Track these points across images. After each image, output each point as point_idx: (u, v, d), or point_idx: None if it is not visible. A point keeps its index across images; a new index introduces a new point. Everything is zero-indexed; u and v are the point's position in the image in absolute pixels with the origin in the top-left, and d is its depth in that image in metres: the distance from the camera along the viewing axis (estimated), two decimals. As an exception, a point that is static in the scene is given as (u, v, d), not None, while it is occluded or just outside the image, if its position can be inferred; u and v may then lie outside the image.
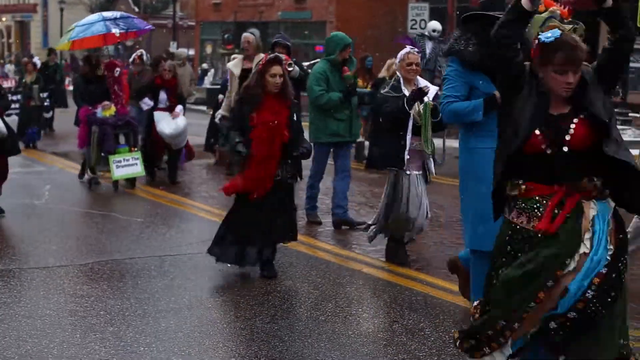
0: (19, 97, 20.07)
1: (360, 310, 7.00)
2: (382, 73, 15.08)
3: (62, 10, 54.79)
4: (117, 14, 13.92)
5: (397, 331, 6.47)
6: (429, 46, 15.42)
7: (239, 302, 7.17)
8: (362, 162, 15.41)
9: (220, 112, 12.12)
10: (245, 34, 11.76)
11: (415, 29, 26.88)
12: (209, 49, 44.79)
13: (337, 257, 8.84)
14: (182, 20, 52.66)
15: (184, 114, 14.10)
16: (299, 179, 8.13)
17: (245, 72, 10.49)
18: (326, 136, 10.26)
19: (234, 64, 11.64)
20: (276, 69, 7.67)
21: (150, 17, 57.54)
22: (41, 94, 20.05)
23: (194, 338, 6.26)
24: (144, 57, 17.37)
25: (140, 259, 8.67)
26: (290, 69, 9.95)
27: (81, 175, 13.85)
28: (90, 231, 10.04)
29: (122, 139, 13.07)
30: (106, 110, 12.97)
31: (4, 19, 70.82)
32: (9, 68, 41.96)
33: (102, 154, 12.95)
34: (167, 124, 13.44)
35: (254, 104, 7.67)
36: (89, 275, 8.01)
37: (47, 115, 21.36)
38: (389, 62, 14.71)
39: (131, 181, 13.19)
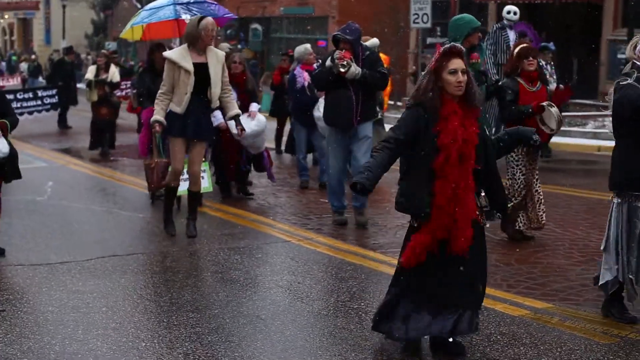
0: (30, 94, 20.41)
1: (362, 304, 6.99)
2: None
3: (64, 7, 54.85)
4: None
5: (399, 325, 6.45)
6: (511, 35, 14.53)
7: (241, 298, 7.16)
8: None
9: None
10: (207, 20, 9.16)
11: (418, 23, 26.83)
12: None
13: (339, 251, 8.83)
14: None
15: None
16: (497, 216, 6.36)
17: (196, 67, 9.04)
18: None
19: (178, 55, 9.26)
20: (456, 64, 5.59)
21: (152, 14, 57.61)
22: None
23: (196, 334, 6.25)
24: None
25: (142, 255, 8.67)
26: (342, 69, 9.40)
27: (152, 196, 11.64)
28: (92, 227, 10.04)
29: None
30: None
31: (6, 16, 70.92)
32: (24, 67, 41.71)
33: None
34: (245, 122, 10.70)
35: (432, 114, 5.58)
36: (91, 271, 8.01)
37: (44, 114, 21.43)
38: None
39: (178, 198, 10.89)
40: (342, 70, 9.35)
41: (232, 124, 10.07)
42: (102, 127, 17.21)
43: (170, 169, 9.43)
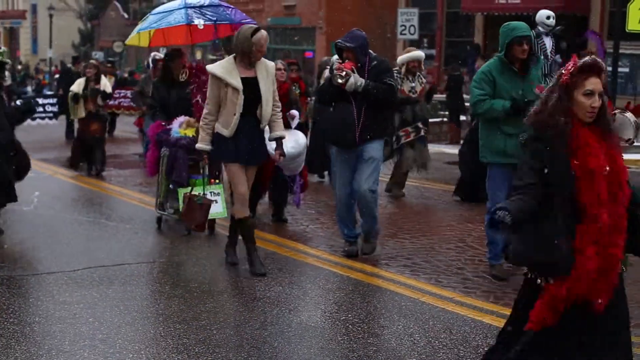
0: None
1: (349, 316, 6.99)
2: None
3: (51, 16, 54.85)
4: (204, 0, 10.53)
5: (387, 337, 6.47)
6: (548, 43, 13.53)
7: (229, 309, 7.16)
8: None
9: None
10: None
11: (405, 34, 26.94)
12: (198, 55, 44.73)
13: (327, 262, 8.82)
14: (172, 26, 52.56)
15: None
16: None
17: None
18: (491, 154, 7.96)
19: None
20: (594, 84, 4.57)
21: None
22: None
23: (183, 345, 6.24)
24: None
25: (129, 265, 8.64)
26: (340, 81, 8.41)
27: (159, 212, 10.53)
28: (79, 238, 10.01)
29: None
30: (186, 129, 10.03)
31: (-7, 25, 70.81)
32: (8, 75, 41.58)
33: (171, 186, 10.16)
34: (285, 141, 8.88)
35: (560, 145, 4.53)
36: (77, 282, 7.98)
37: (47, 122, 21.29)
38: None
39: (209, 223, 9.79)
40: (340, 81, 8.41)
41: (272, 145, 8.71)
42: (92, 144, 15.46)
43: (235, 197, 8.44)
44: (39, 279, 8.07)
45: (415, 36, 26.89)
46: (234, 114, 8.03)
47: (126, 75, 26.46)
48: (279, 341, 6.35)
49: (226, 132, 8.09)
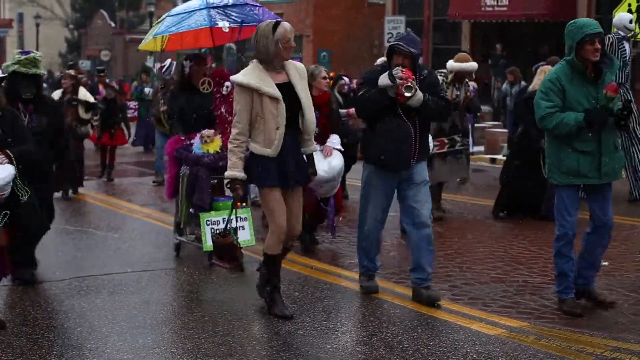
0: None
1: (338, 324, 6.99)
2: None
3: (37, 25, 54.81)
4: None
5: (376, 345, 6.47)
6: (627, 48, 12.63)
7: (217, 318, 7.14)
8: None
9: None
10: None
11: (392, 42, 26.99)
12: (186, 64, 44.67)
13: (315, 270, 8.82)
14: (159, 34, 52.46)
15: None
16: None
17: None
18: (561, 175, 7.09)
19: None
20: None
21: (127, 32, 57.61)
22: None
23: (171, 354, 6.23)
24: (172, 69, 13.70)
25: (117, 274, 8.62)
26: (408, 94, 7.13)
27: (178, 238, 9.51)
28: (67, 247, 9.99)
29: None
30: (209, 144, 8.94)
31: (-21, 34, 70.59)
32: None
33: (191, 210, 9.01)
34: (317, 161, 7.95)
35: None
36: (65, 291, 7.96)
37: None
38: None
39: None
40: (407, 94, 7.13)
41: None
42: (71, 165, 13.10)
43: (271, 230, 7.07)
44: (26, 288, 8.03)
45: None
46: (277, 128, 6.80)
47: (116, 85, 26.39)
48: (267, 349, 6.35)
49: (269, 151, 6.83)
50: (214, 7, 9.19)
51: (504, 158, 19.93)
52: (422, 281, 7.58)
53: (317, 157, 7.67)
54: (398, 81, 7.12)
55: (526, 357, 6.14)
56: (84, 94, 14.23)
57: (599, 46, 6.80)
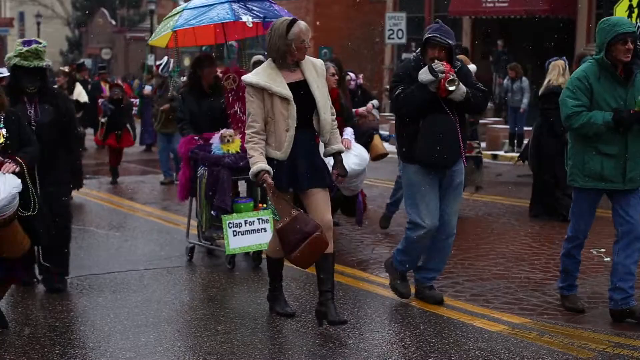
0: None
1: (340, 321, 6.98)
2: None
3: (38, 24, 54.81)
4: None
5: (378, 342, 6.47)
6: None
7: (219, 316, 7.14)
8: None
9: None
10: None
11: (393, 39, 27.00)
12: (187, 62, 44.70)
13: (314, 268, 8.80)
14: (160, 32, 52.56)
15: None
16: None
17: None
18: (583, 178, 6.80)
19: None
20: None
21: (127, 30, 57.66)
22: None
23: (174, 352, 6.23)
24: (170, 66, 13.41)
25: (119, 273, 8.62)
26: (451, 87, 6.81)
27: (191, 242, 9.35)
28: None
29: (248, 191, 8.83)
30: (229, 144, 8.70)
31: (-20, 33, 70.63)
32: None
33: (213, 212, 8.75)
34: (345, 156, 7.32)
35: None
36: (68, 290, 7.96)
37: None
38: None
39: (256, 255, 8.86)
40: (450, 88, 6.81)
41: (329, 161, 7.02)
42: None
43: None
44: (28, 287, 8.03)
45: (403, 40, 26.94)
46: (286, 130, 6.55)
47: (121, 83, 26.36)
48: (270, 347, 6.34)
49: (279, 154, 6.58)
50: (235, 1, 8.95)
51: (506, 154, 20.03)
52: (428, 280, 7.50)
53: (344, 154, 7.18)
54: (440, 75, 6.79)
55: (529, 354, 6.13)
56: (78, 92, 14.14)
57: (631, 46, 6.51)
